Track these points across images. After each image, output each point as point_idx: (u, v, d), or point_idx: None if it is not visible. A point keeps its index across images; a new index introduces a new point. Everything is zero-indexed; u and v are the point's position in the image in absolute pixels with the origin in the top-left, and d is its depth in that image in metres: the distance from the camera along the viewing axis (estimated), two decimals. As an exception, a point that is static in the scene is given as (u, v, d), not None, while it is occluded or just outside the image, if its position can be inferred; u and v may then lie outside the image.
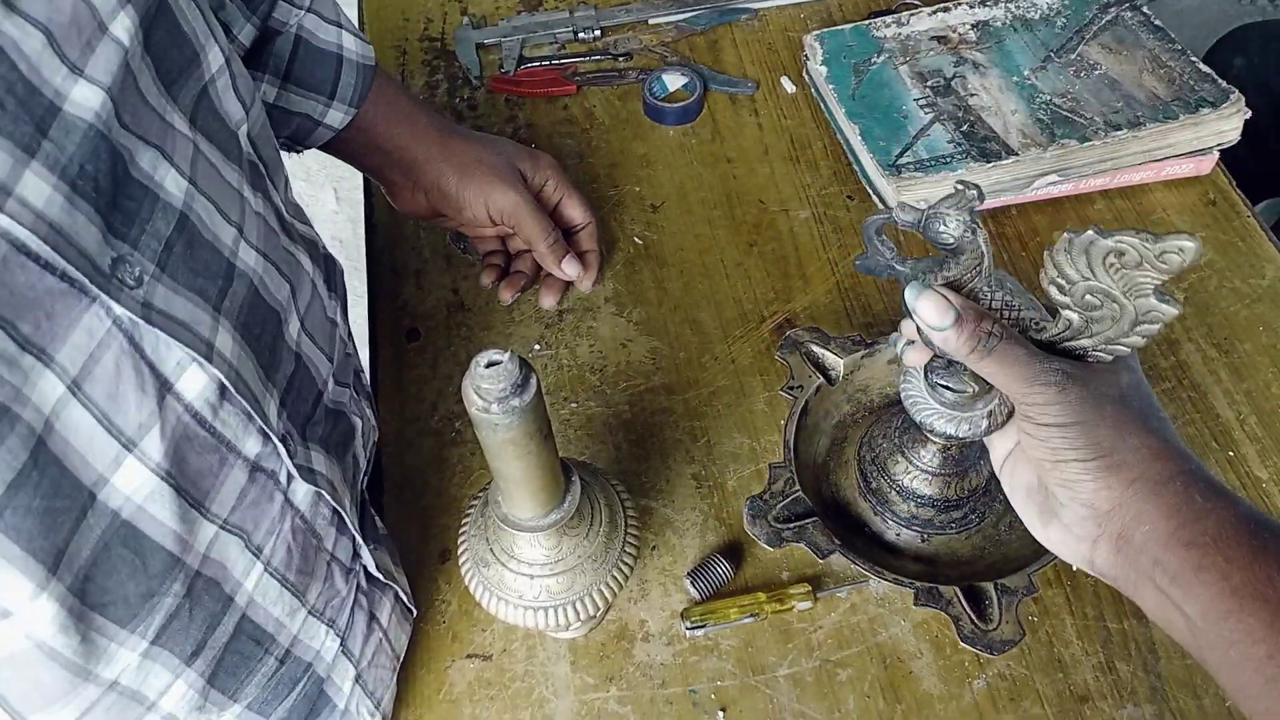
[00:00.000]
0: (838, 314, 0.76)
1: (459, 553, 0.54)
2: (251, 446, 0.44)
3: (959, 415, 0.53)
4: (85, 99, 0.36)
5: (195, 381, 0.40)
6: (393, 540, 0.63)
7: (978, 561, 0.60)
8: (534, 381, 0.41)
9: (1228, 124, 0.79)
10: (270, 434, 0.45)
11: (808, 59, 0.88)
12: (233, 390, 0.42)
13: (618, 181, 0.86)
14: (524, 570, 0.51)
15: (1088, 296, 0.44)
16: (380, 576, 0.56)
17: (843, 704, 0.58)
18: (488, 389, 0.40)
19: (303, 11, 0.64)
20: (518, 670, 0.61)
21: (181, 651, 0.42)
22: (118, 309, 0.37)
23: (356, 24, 0.81)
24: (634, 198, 0.84)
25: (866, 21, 0.89)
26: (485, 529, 0.53)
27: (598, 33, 0.96)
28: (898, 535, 0.61)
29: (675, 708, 0.59)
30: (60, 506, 0.35)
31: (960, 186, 0.46)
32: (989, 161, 0.77)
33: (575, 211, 0.75)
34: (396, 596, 0.58)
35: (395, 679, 0.59)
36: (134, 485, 0.38)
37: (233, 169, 0.47)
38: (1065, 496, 0.45)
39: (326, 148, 0.70)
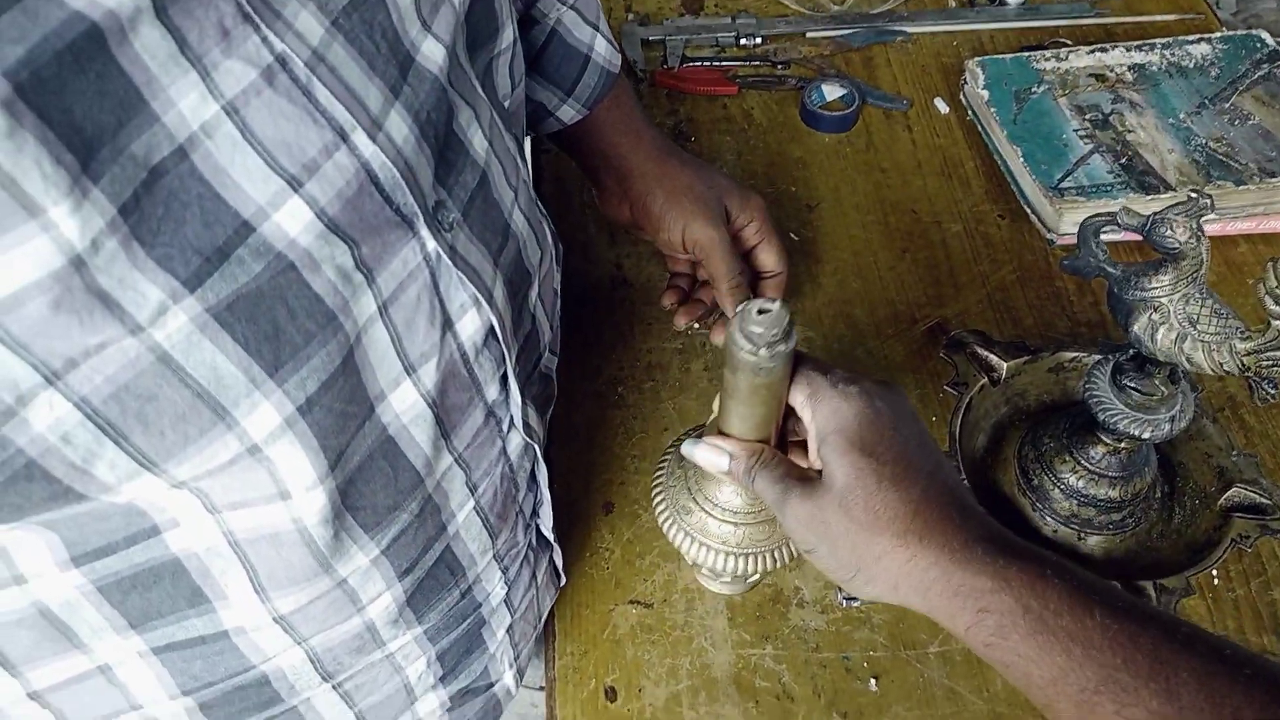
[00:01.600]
0: (988, 324, 0.79)
1: (655, 502, 0.57)
2: (492, 392, 0.48)
3: (1143, 417, 0.56)
4: (433, 52, 0.40)
5: (471, 322, 0.44)
6: (556, 495, 0.67)
7: (1130, 564, 0.63)
8: (796, 330, 0.44)
9: (1376, 182, 0.82)
10: (510, 382, 0.49)
11: (967, 82, 0.92)
12: (496, 336, 0.46)
13: (775, 181, 0.89)
14: (729, 518, 0.54)
15: (1303, 308, 0.47)
16: (549, 536, 0.60)
17: (990, 684, 0.61)
18: (759, 333, 0.43)
19: (564, 8, 0.67)
20: (678, 620, 0.64)
21: (398, 566, 0.46)
22: (430, 245, 0.40)
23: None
24: (789, 197, 0.88)
25: (1026, 54, 0.93)
26: (686, 478, 0.56)
27: (758, 40, 1.01)
28: (1054, 532, 0.64)
29: (829, 671, 0.62)
30: (351, 412, 0.39)
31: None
32: (1148, 194, 0.80)
33: (770, 259, 0.72)
34: (551, 559, 0.62)
35: (534, 640, 0.62)
36: (405, 406, 0.42)
37: (512, 138, 0.51)
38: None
39: (551, 136, 0.72)
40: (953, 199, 0.87)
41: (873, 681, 0.61)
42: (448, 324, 0.43)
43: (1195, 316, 0.51)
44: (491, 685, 0.59)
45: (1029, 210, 0.84)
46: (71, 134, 0.27)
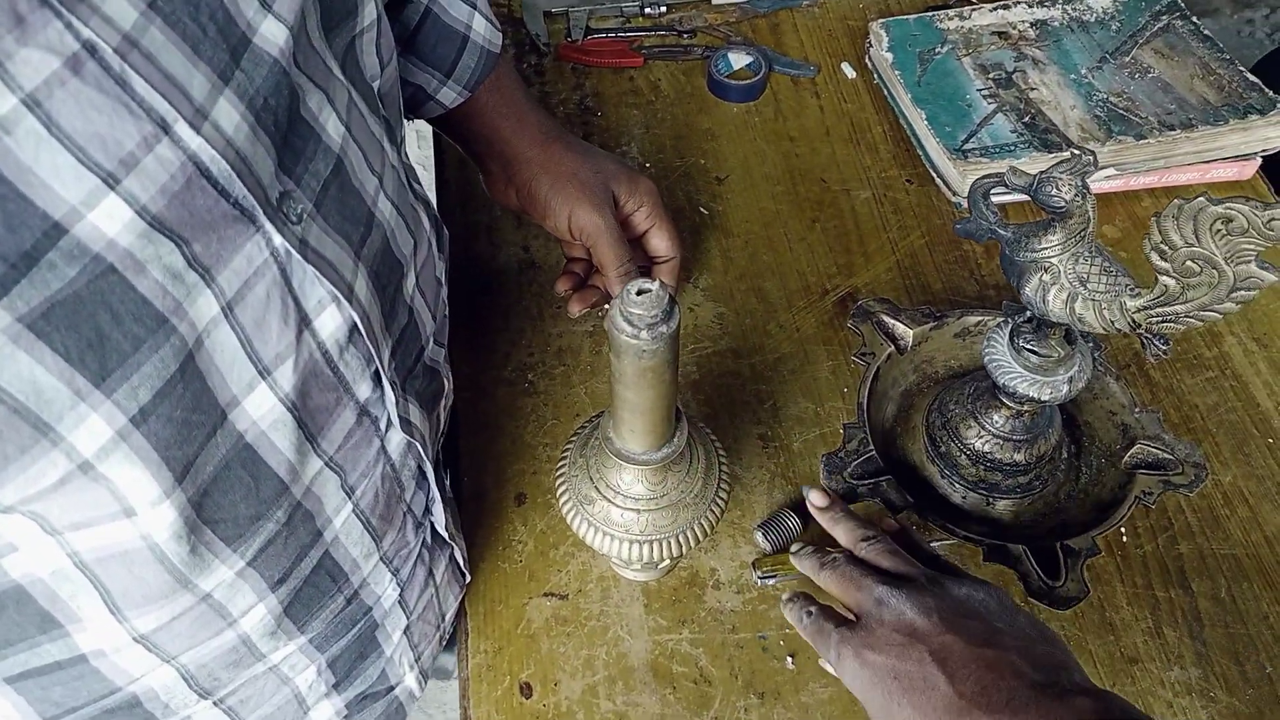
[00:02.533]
0: (897, 291, 0.78)
1: (559, 492, 0.56)
2: (363, 390, 0.46)
3: (1041, 379, 0.55)
4: (272, 34, 0.38)
5: (331, 320, 0.42)
6: (466, 488, 0.65)
7: (1039, 526, 0.63)
8: (678, 310, 0.43)
9: (1274, 131, 0.82)
10: (383, 379, 0.47)
11: (871, 45, 0.91)
12: (361, 333, 0.44)
13: (683, 153, 0.88)
14: (630, 505, 0.53)
15: (1188, 263, 0.47)
16: (445, 535, 0.58)
17: (907, 654, 0.61)
18: (638, 315, 0.42)
19: None
20: (593, 610, 0.63)
21: (269, 577, 0.44)
22: (277, 240, 0.38)
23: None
24: (699, 170, 0.87)
25: (930, 14, 0.92)
26: (588, 468, 0.55)
27: (663, 9, 0.98)
28: (964, 499, 0.64)
29: (745, 652, 0.61)
30: (196, 420, 0.37)
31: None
32: (1050, 152, 0.80)
33: (661, 243, 0.71)
34: (452, 557, 0.60)
35: (438, 640, 0.61)
36: (262, 411, 0.40)
37: (376, 120, 0.48)
38: None
39: (433, 121, 0.70)
40: (861, 165, 0.87)
41: (789, 660, 0.61)
42: (304, 322, 0.40)
43: (1085, 275, 0.51)
44: (392, 689, 0.58)
45: (934, 174, 0.83)
46: None
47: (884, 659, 0.46)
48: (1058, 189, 0.49)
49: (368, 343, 0.44)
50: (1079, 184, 0.49)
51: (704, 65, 0.94)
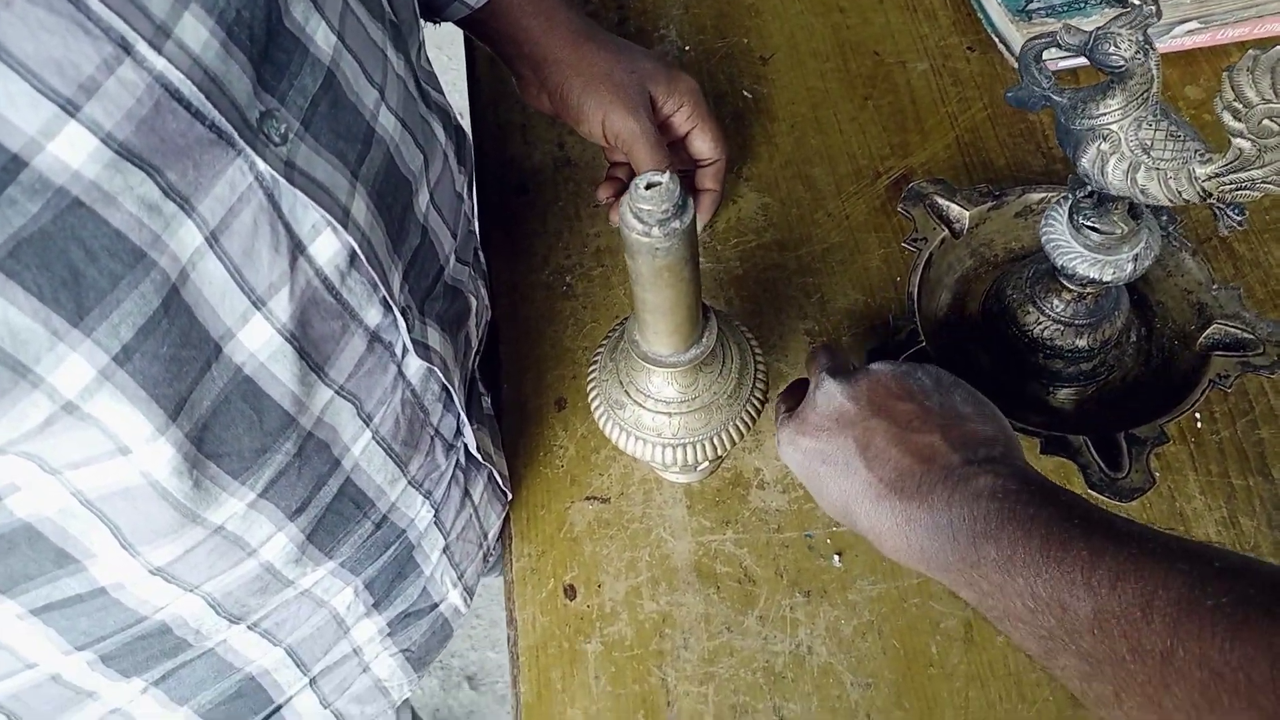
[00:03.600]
0: (957, 170, 0.73)
1: (590, 397, 0.55)
2: (373, 317, 0.44)
3: (1103, 259, 0.51)
4: None
5: (328, 246, 0.40)
6: (506, 395, 0.64)
7: (1103, 415, 0.59)
8: (691, 204, 0.40)
9: (1390, -34, 0.73)
10: (392, 306, 0.45)
11: (928, -99, 0.83)
12: (362, 259, 0.42)
13: (725, 33, 0.83)
14: (662, 409, 0.51)
15: (1266, 122, 0.41)
16: (479, 456, 0.57)
17: (960, 551, 0.58)
18: (648, 210, 0.39)
19: None
20: (635, 513, 0.62)
21: (286, 507, 0.43)
22: (261, 165, 0.36)
23: None
24: (742, 50, 0.82)
25: None
26: (618, 371, 0.53)
27: (701, -123, 0.92)
28: (1022, 390, 0.60)
29: (791, 551, 0.60)
30: (186, 356, 0.35)
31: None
32: (1124, 5, 0.72)
33: (704, 146, 0.67)
34: (491, 476, 0.59)
35: (481, 557, 0.61)
36: (259, 343, 0.38)
37: (377, 26, 0.45)
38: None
39: (461, 24, 0.66)
40: (918, 34, 0.80)
41: (836, 558, 0.59)
42: (298, 249, 0.39)
43: (1149, 142, 0.46)
44: (436, 605, 0.58)
45: (996, 39, 0.77)
46: None
47: (814, 443, 0.47)
48: (1116, 46, 0.44)
49: (370, 268, 0.42)
50: (1140, 39, 0.44)
51: (746, -64, 0.87)
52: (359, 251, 0.41)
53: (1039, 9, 0.73)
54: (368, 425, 0.46)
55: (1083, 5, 0.73)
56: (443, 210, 0.52)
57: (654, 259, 0.42)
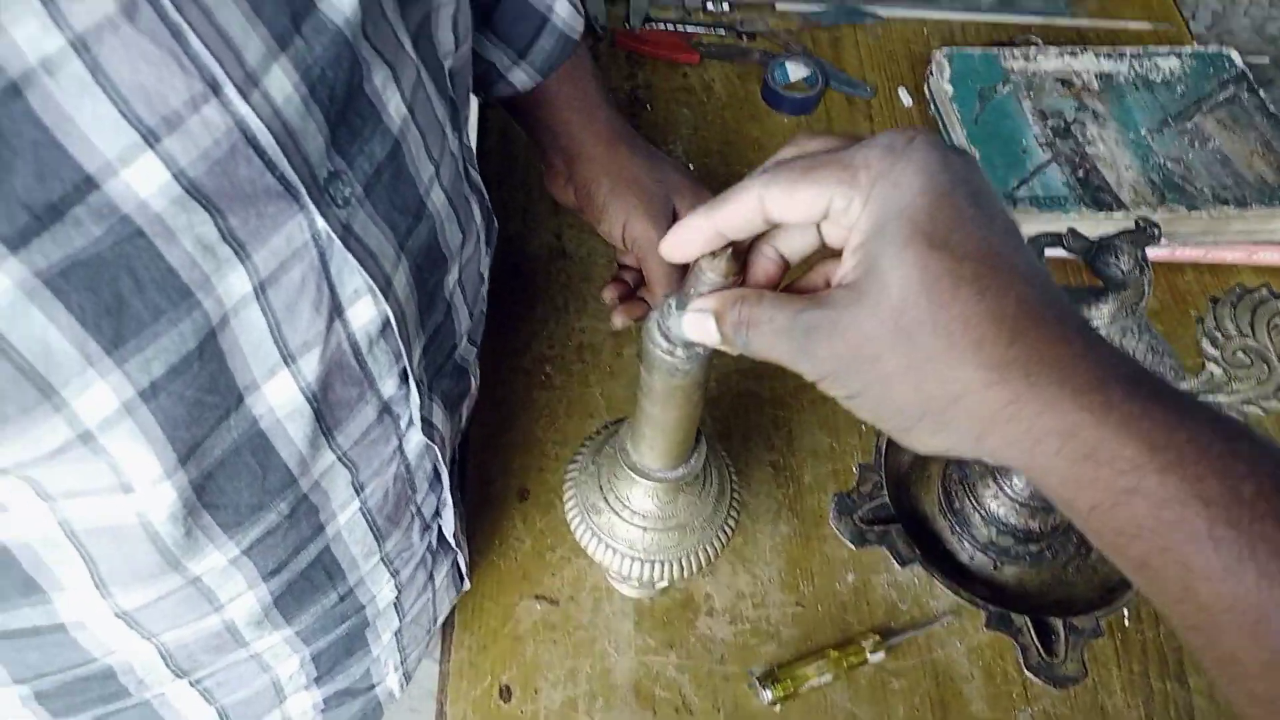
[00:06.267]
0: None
1: (565, 496, 0.55)
2: (389, 387, 0.44)
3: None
4: (339, 2, 0.36)
5: (365, 312, 0.40)
6: (470, 475, 0.64)
7: (1043, 596, 0.62)
8: None
9: (1328, 220, 0.81)
10: (409, 378, 0.45)
11: (932, 74, 0.89)
12: (393, 328, 0.42)
13: (730, 160, 0.86)
14: (638, 521, 0.52)
15: (1239, 353, 0.46)
16: (451, 540, 0.56)
17: (892, 711, 0.60)
18: (678, 331, 0.40)
19: None
20: (583, 619, 0.62)
21: (263, 567, 0.42)
22: (320, 223, 0.36)
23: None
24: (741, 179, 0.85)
25: (995, 49, 0.90)
26: (599, 475, 0.54)
27: (726, 6, 0.96)
28: (971, 559, 0.63)
29: (731, 685, 0.60)
30: (209, 402, 0.35)
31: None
32: (1100, 211, 0.78)
33: None
34: (455, 562, 0.59)
35: (426, 643, 0.60)
36: (281, 399, 0.38)
37: (441, 103, 0.46)
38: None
39: (500, 102, 0.67)
40: (907, 197, 0.85)
41: (771, 698, 0.60)
42: (337, 311, 0.39)
43: (1131, 351, 0.50)
44: (373, 687, 0.57)
45: (982, 218, 0.82)
46: None
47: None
48: (1116, 258, 0.48)
49: (399, 339, 0.43)
50: (1139, 255, 0.48)
51: (760, 72, 0.91)
52: (392, 321, 0.41)
53: (1024, 197, 0.79)
54: (358, 495, 0.45)
55: (1063, 201, 0.79)
56: (466, 289, 0.52)
57: (671, 378, 0.43)
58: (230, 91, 0.31)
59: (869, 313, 0.31)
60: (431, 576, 0.55)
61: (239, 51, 0.32)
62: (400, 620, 0.54)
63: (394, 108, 0.40)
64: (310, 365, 0.38)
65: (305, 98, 0.34)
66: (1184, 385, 0.49)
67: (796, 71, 0.90)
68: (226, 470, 0.37)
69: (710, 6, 0.96)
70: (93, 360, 0.31)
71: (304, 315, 0.37)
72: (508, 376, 0.72)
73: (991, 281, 0.29)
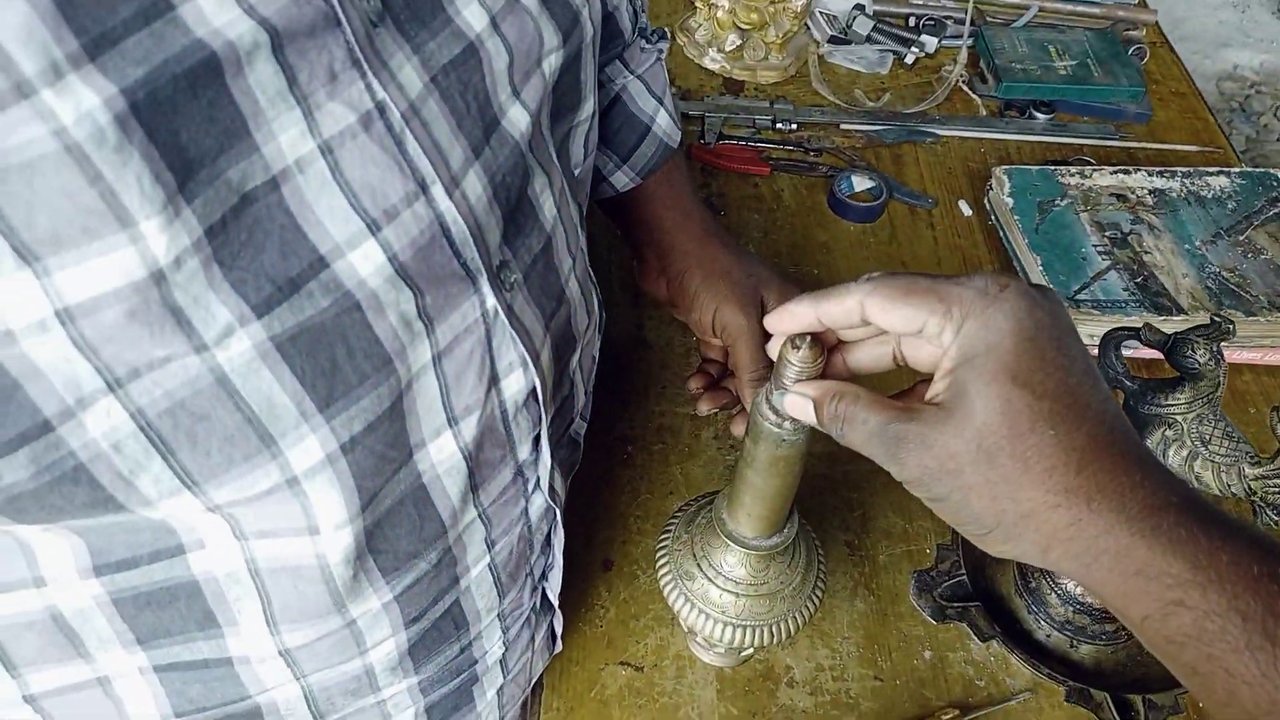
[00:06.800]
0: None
1: (659, 564, 0.58)
2: (524, 451, 0.49)
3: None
4: (518, 119, 0.42)
5: (516, 382, 0.45)
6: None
7: (1120, 675, 0.63)
8: None
9: (1381, 329, 0.84)
10: (542, 444, 0.49)
11: (992, 188, 0.95)
12: (536, 398, 0.47)
13: (798, 262, 0.91)
14: (730, 587, 0.54)
15: (1313, 440, 0.48)
16: (553, 601, 0.60)
17: (974, 785, 0.60)
18: (782, 408, 0.44)
19: (632, 76, 0.68)
20: (667, 686, 0.64)
21: (408, 614, 0.46)
22: (490, 303, 0.42)
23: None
24: (812, 280, 0.90)
25: (1052, 167, 0.96)
26: (692, 543, 0.57)
27: (794, 126, 1.04)
28: (1047, 637, 0.64)
29: (812, 754, 0.61)
30: (390, 456, 0.40)
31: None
32: (1160, 315, 0.82)
33: None
34: (551, 624, 0.62)
35: (520, 705, 0.62)
36: (442, 456, 0.42)
37: (575, 206, 0.53)
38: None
39: (600, 203, 0.73)
40: (970, 299, 0.89)
41: (856, 769, 0.61)
42: (494, 381, 0.44)
43: (1208, 437, 0.53)
44: None
45: (1044, 318, 0.86)
46: (174, 154, 0.29)
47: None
48: (1193, 350, 0.51)
49: (540, 407, 0.47)
50: (1215, 349, 0.51)
51: (826, 183, 0.98)
52: (538, 390, 0.46)
53: (1086, 301, 0.83)
54: (489, 550, 0.49)
55: (1124, 305, 0.82)
56: (584, 369, 0.57)
57: (776, 449, 0.46)
58: (438, 191, 0.37)
59: (955, 433, 0.35)
60: (533, 636, 0.58)
61: (446, 158, 0.38)
62: (504, 677, 0.56)
63: (548, 208, 0.47)
64: (469, 427, 0.43)
65: (490, 198, 0.41)
66: (1259, 469, 0.51)
67: (861, 183, 0.96)
68: (392, 519, 0.42)
69: (780, 126, 1.04)
70: (307, 416, 0.35)
71: (469, 383, 0.42)
72: (592, 454, 0.75)
73: (1065, 417, 0.34)
